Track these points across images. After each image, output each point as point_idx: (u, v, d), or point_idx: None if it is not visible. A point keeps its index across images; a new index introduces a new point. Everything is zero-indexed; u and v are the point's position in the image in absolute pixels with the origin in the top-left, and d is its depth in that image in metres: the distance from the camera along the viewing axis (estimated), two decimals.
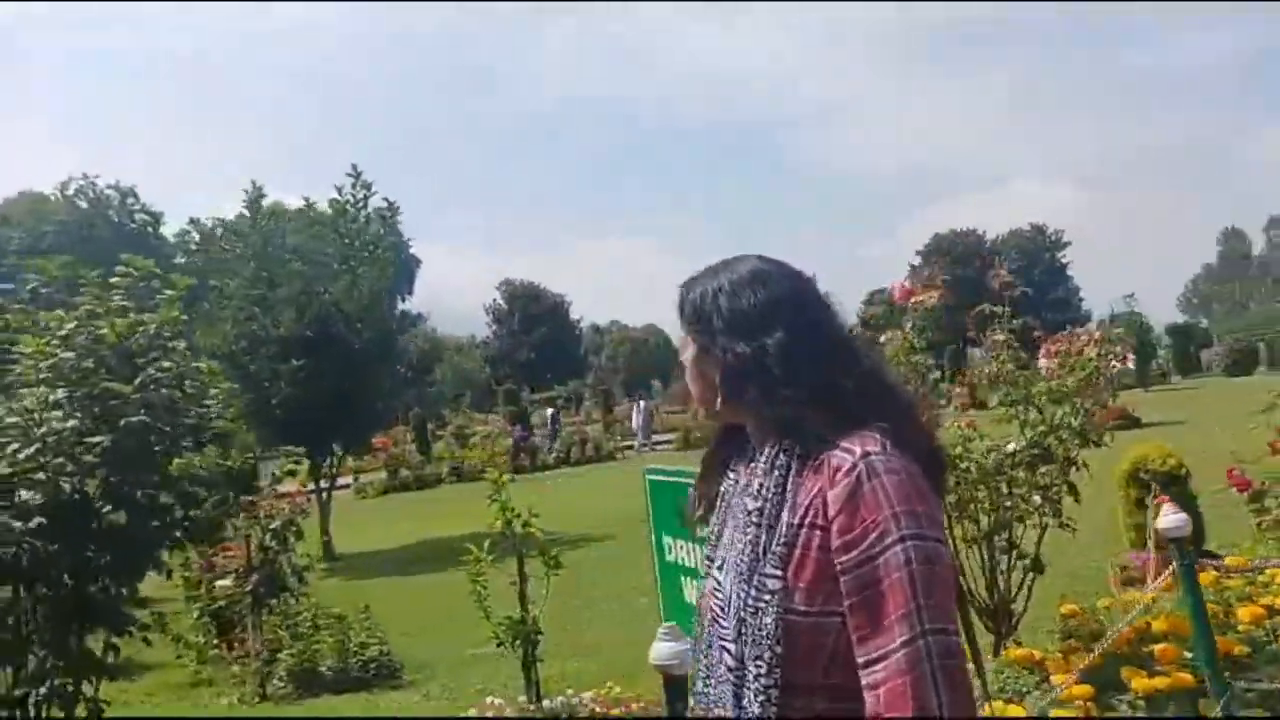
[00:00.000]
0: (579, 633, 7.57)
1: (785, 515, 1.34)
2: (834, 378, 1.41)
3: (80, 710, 4.32)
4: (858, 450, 1.31)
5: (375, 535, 15.25)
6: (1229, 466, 5.15)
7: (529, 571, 5.10)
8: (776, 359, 1.40)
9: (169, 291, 4.75)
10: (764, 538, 1.34)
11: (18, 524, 3.99)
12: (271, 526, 6.49)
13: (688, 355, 1.50)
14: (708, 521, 1.56)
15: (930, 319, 3.99)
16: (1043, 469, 3.59)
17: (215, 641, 7.52)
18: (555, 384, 56.06)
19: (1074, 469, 3.65)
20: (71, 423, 3.98)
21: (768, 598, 1.31)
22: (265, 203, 14.10)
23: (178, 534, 4.49)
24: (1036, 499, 3.66)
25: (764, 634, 1.30)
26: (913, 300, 3.97)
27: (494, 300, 72.21)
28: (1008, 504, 3.61)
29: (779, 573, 1.31)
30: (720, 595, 1.39)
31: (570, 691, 5.19)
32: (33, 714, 4.28)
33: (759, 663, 1.30)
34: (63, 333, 4.22)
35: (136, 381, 4.15)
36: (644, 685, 5.41)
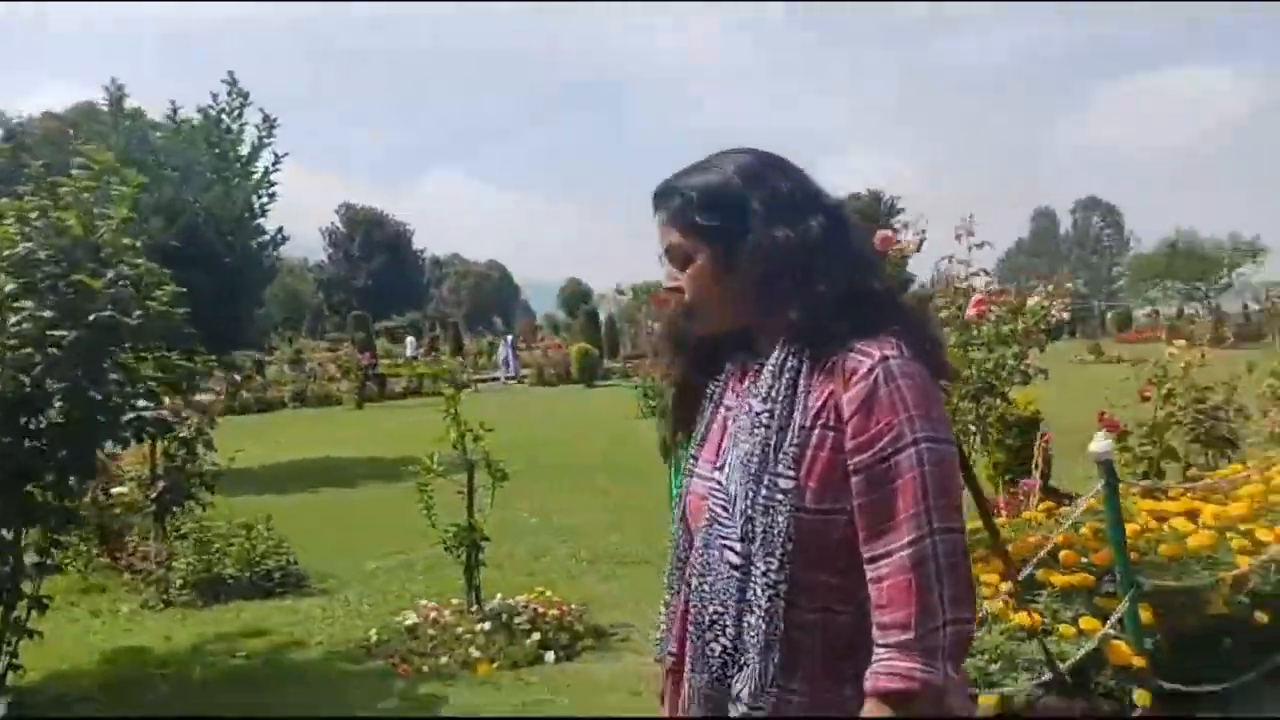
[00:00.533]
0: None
1: (796, 416, 1.33)
2: (863, 276, 1.40)
3: (20, 610, 4.21)
4: (875, 354, 1.31)
5: (226, 455, 14.76)
6: (1100, 410, 5.85)
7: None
8: (819, 245, 1.37)
9: (123, 188, 4.58)
10: (775, 439, 1.33)
11: None
12: (181, 435, 6.31)
13: (700, 262, 1.41)
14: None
15: (902, 265, 4.35)
16: (985, 399, 4.05)
17: (96, 550, 7.28)
18: (394, 314, 54.83)
19: (1006, 404, 4.15)
20: (48, 314, 3.82)
21: (780, 497, 1.31)
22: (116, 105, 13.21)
23: (127, 434, 4.39)
24: (972, 428, 4.13)
25: (776, 532, 1.30)
26: (894, 247, 4.32)
27: (332, 224, 69.24)
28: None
29: (792, 472, 1.31)
30: (721, 495, 1.38)
31: (500, 596, 5.40)
32: None
33: (769, 559, 1.31)
34: (21, 222, 4.03)
35: (108, 276, 4.02)
36: (560, 592, 5.68)
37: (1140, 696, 3.50)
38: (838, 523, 1.30)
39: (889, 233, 4.37)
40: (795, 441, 1.32)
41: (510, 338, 33.04)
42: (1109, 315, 44.60)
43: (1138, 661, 3.55)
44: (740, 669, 1.33)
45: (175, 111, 13.43)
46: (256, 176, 13.37)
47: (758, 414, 1.36)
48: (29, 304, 3.86)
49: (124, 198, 4.56)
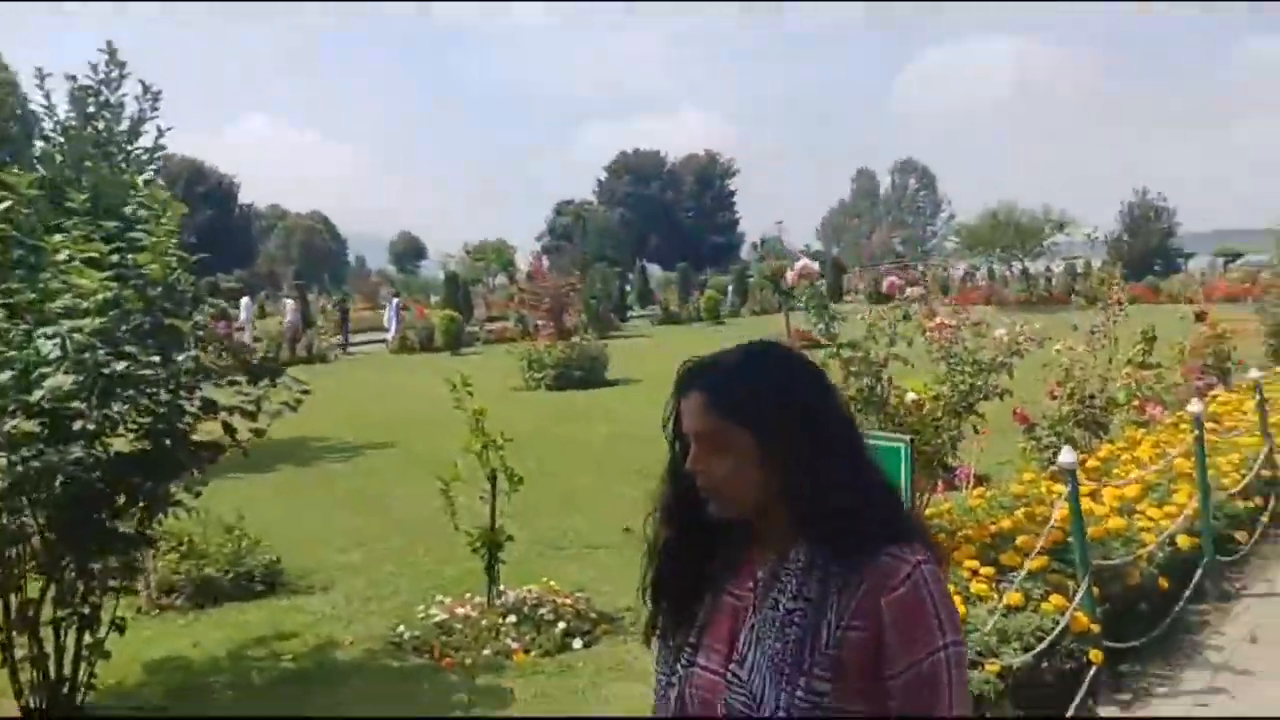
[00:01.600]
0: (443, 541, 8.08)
1: (831, 617, 1.35)
2: (874, 470, 1.48)
3: (102, 630, 4.43)
4: (911, 559, 1.36)
5: None
6: (1014, 406, 6.86)
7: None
8: (843, 439, 1.46)
9: (164, 222, 4.73)
10: (809, 640, 1.35)
11: (75, 451, 4.03)
12: None
13: (738, 448, 1.42)
14: (675, 633, 1.54)
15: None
16: (964, 416, 4.91)
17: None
18: (219, 272, 52.26)
19: (980, 417, 5.03)
20: (155, 357, 4.06)
21: (815, 699, 1.33)
22: None
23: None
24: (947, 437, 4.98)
25: None
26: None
27: (151, 176, 64.49)
28: (937, 441, 4.89)
29: (828, 674, 1.33)
30: (743, 694, 1.38)
31: (502, 588, 5.88)
32: (60, 638, 4.35)
33: None
34: (97, 267, 4.22)
35: (195, 320, 4.26)
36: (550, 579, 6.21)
37: (1094, 655, 4.45)
38: None
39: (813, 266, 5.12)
40: (831, 644, 1.34)
41: (396, 300, 32.49)
42: (929, 278, 47.77)
43: (1095, 628, 4.49)
44: None
45: (43, 79, 12.68)
46: (139, 153, 12.84)
47: (789, 612, 1.37)
48: (133, 348, 4.08)
49: (170, 231, 4.73)
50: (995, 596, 4.55)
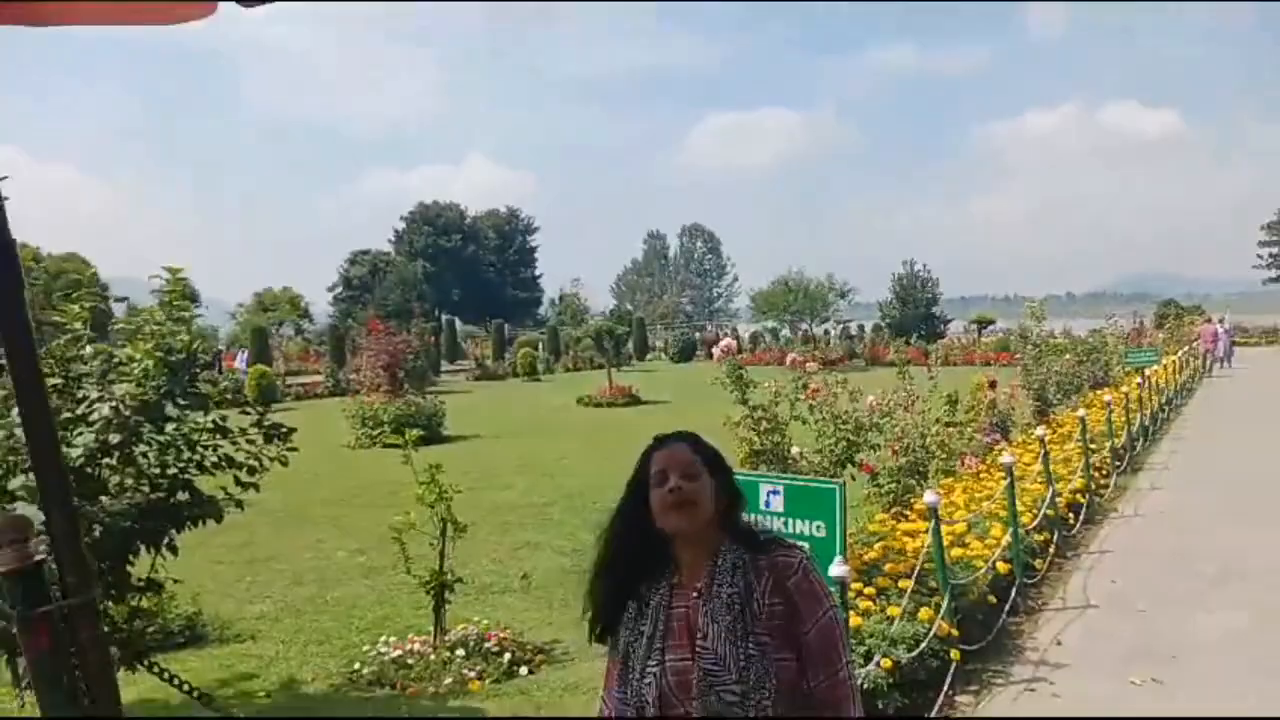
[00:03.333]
0: (341, 590, 8.49)
1: (758, 596, 2.01)
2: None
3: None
4: (797, 554, 2.09)
5: None
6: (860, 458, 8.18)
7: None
8: (741, 496, 2.23)
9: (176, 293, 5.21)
10: (747, 613, 2.00)
11: (122, 503, 4.45)
12: None
13: (708, 486, 2.11)
14: (611, 632, 2.19)
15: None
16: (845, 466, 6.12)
17: None
18: None
19: (854, 466, 6.26)
20: (196, 417, 4.59)
21: (760, 649, 1.98)
22: None
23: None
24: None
25: (767, 674, 1.98)
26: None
27: None
28: None
29: (765, 632, 2.00)
30: (711, 656, 1.99)
31: (451, 630, 6.50)
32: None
33: (764, 690, 1.97)
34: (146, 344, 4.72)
35: (221, 384, 4.78)
36: (475, 619, 6.87)
37: (955, 655, 5.69)
38: (785, 664, 2.01)
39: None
40: (762, 614, 2.01)
41: (246, 352, 30.84)
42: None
43: (955, 633, 5.73)
44: None
45: None
46: None
47: (730, 597, 2.02)
48: (173, 411, 4.59)
49: (185, 304, 5.23)
50: (879, 610, 5.72)
